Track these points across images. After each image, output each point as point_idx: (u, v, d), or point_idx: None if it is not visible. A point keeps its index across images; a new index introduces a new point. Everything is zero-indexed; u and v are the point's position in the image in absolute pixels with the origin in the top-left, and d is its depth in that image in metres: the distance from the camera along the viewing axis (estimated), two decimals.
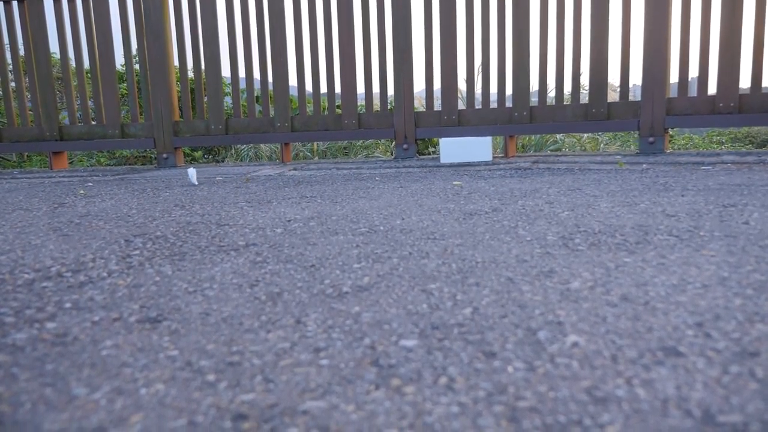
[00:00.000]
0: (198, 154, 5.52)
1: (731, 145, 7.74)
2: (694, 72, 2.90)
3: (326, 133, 3.51)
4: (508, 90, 3.19)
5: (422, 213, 1.64)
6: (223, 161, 5.48)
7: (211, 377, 0.65)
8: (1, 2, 3.51)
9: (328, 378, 0.64)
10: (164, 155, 3.60)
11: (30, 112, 3.68)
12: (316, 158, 4.90)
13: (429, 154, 4.89)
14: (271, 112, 3.56)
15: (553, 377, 0.61)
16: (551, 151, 4.41)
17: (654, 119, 2.95)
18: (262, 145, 5.01)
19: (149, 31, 3.49)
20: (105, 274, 1.11)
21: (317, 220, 1.60)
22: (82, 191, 2.54)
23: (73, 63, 3.62)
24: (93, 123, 3.64)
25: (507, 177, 2.42)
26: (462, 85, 3.53)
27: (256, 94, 3.90)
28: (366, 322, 0.80)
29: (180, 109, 3.63)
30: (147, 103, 3.58)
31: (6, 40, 3.57)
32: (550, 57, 3.10)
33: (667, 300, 0.84)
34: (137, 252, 1.29)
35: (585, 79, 3.24)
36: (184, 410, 0.58)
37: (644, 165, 2.61)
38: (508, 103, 3.22)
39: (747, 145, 8.30)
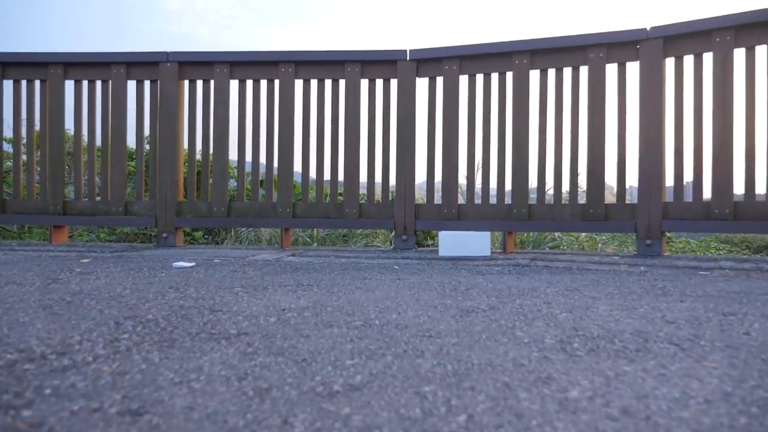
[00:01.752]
0: (198, 234, 5.54)
1: (729, 249, 7.80)
2: (689, 176, 2.98)
3: (327, 221, 3.54)
4: (507, 186, 3.26)
5: (419, 308, 1.62)
6: (222, 243, 5.50)
7: None
8: (24, 80, 3.66)
9: None
10: (164, 234, 3.62)
11: (37, 185, 3.73)
12: (315, 244, 4.92)
13: (428, 245, 4.91)
14: (274, 197, 3.61)
15: None
16: (549, 248, 4.44)
17: (651, 222, 2.99)
18: (262, 229, 5.05)
19: (163, 113, 3.62)
20: (90, 359, 1.08)
21: (312, 310, 1.58)
22: (78, 269, 2.53)
23: (85, 140, 3.73)
24: (97, 199, 3.68)
25: (505, 274, 2.42)
26: (462, 180, 3.61)
27: (260, 179, 3.97)
28: (356, 426, 0.77)
29: (185, 190, 3.69)
30: (153, 181, 3.65)
31: (24, 115, 3.69)
32: (549, 157, 3.19)
33: (669, 415, 0.81)
34: (126, 336, 1.26)
35: (583, 180, 3.32)
36: None
37: (642, 267, 2.61)
38: (507, 200, 3.28)
39: (744, 250, 8.36)
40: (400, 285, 2.07)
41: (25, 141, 3.81)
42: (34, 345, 1.17)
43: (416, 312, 1.56)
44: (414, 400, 0.87)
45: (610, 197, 3.27)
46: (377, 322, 1.43)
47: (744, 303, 1.71)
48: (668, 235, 4.36)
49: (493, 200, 3.33)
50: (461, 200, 3.53)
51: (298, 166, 3.59)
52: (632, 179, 3.14)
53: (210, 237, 5.64)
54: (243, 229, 5.22)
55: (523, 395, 0.89)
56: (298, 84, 3.58)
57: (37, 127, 3.73)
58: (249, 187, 4.36)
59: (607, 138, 3.11)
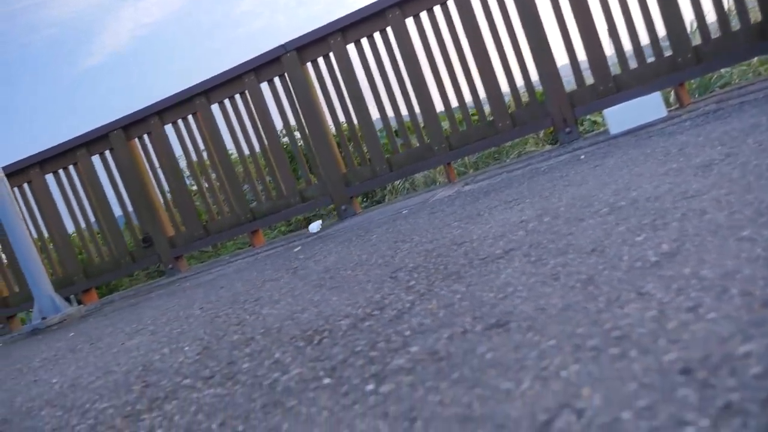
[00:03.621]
0: (357, 200, 5.85)
1: None
2: None
3: (484, 142, 3.57)
4: (661, 31, 3.03)
5: (650, 178, 1.62)
6: (380, 202, 5.77)
7: None
8: (180, 119, 4.06)
9: None
10: (343, 207, 3.89)
11: (224, 204, 4.18)
12: (471, 171, 4.98)
13: (587, 132, 4.74)
14: (426, 139, 3.70)
15: None
16: (719, 87, 4.06)
17: None
18: (416, 176, 5.21)
19: (300, 100, 3.84)
20: (407, 305, 1.25)
21: (548, 215, 1.65)
22: (301, 255, 2.83)
23: (246, 150, 4.08)
24: (275, 196, 4.04)
25: (702, 125, 2.29)
26: (608, 50, 3.41)
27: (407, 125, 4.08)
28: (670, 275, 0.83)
29: (344, 161, 3.91)
30: (314, 164, 3.92)
31: (190, 146, 4.12)
32: None
33: None
34: (412, 282, 1.43)
35: None
36: None
37: None
38: (667, 52, 3.05)
39: None
40: (604, 169, 2.06)
41: (200, 168, 4.26)
42: (351, 310, 1.38)
43: (654, 182, 1.56)
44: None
45: None
46: (622, 203, 1.46)
47: None
48: None
49: (650, 58, 3.12)
50: (615, 71, 3.34)
51: (438, 102, 3.63)
52: None
53: (367, 200, 5.94)
54: (398, 182, 5.42)
55: None
56: (410, 22, 3.58)
57: (204, 155, 4.15)
58: (399, 137, 4.48)
59: None
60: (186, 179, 4.47)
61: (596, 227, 1.32)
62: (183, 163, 4.31)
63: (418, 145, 3.73)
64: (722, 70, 4.19)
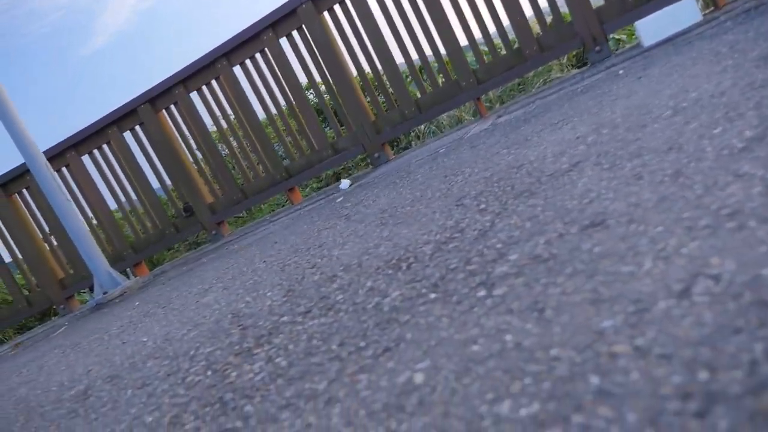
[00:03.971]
0: (388, 146, 5.84)
1: None
2: None
3: (513, 71, 3.53)
4: None
5: (717, 76, 1.61)
6: (406, 148, 5.76)
7: None
8: (204, 84, 4.07)
9: None
10: (376, 155, 3.91)
11: (258, 165, 4.23)
12: (497, 105, 4.93)
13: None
14: (453, 76, 3.67)
15: None
16: None
17: None
18: (443, 116, 5.18)
19: (321, 51, 3.81)
20: (485, 225, 1.29)
21: (595, 132, 1.65)
22: (348, 203, 2.88)
23: (273, 110, 4.09)
24: (308, 152, 4.07)
25: (754, 19, 2.23)
26: None
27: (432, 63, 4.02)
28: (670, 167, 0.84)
29: (372, 109, 3.90)
30: (343, 115, 3.92)
31: (216, 111, 4.13)
32: None
33: None
34: (482, 205, 1.46)
35: None
36: None
37: None
38: None
39: None
40: (650, 79, 2.04)
41: (231, 133, 4.29)
42: (429, 237, 1.42)
43: (713, 80, 1.55)
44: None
45: None
46: (684, 104, 1.46)
47: None
48: None
49: None
50: None
51: (461, 37, 3.57)
52: None
53: (395, 148, 5.93)
54: (423, 127, 5.39)
55: None
56: None
57: (232, 118, 4.18)
58: (425, 78, 4.42)
59: None
60: (218, 145, 4.51)
61: (664, 129, 1.33)
62: (213, 130, 4.35)
63: (444, 82, 3.70)
64: None
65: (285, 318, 1.34)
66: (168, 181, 4.35)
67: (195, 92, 4.11)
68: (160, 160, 4.25)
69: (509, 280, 0.93)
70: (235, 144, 4.28)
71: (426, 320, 0.94)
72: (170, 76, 4.07)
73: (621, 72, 2.58)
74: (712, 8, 2.99)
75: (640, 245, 0.82)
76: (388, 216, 1.96)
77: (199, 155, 4.28)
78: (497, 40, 3.68)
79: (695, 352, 0.55)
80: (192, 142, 4.25)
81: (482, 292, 0.93)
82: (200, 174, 4.30)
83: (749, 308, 0.57)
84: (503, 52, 3.57)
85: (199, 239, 6.16)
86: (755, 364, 0.50)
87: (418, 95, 3.89)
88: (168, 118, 4.19)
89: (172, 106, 4.15)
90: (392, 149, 5.72)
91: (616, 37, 4.73)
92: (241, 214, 5.99)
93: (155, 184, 4.37)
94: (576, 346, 0.65)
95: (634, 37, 3.94)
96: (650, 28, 2.94)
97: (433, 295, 1.03)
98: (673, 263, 0.73)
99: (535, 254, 0.98)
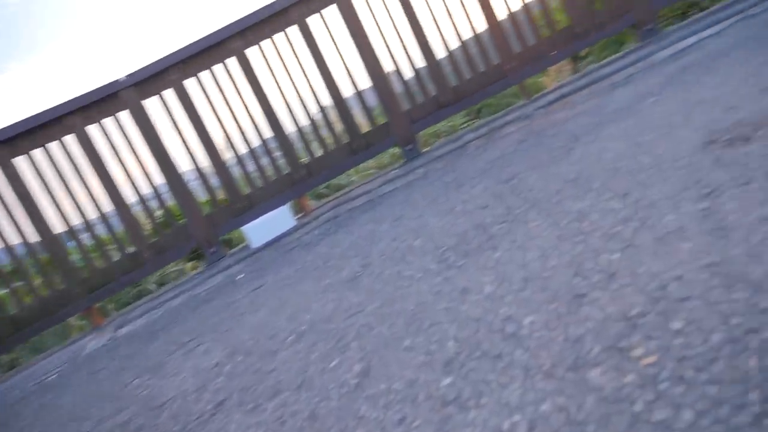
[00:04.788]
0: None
1: None
2: None
3: (129, 276, 3.43)
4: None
5: (321, 296, 1.91)
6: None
7: None
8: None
9: None
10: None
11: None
12: (114, 312, 4.59)
13: None
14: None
15: None
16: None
17: None
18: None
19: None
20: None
21: (235, 357, 1.75)
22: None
23: None
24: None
25: (336, 232, 2.77)
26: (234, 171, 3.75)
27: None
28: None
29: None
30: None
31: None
32: None
33: None
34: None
35: None
36: None
37: None
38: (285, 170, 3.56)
39: None
40: (267, 290, 2.29)
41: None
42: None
43: (319, 301, 1.85)
44: None
45: None
46: (303, 327, 1.70)
47: None
48: None
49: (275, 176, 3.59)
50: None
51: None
52: None
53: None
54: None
55: None
56: None
57: None
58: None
59: None
60: None
61: (293, 359, 1.51)
62: None
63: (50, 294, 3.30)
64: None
65: None
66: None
67: None
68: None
69: None
70: None
71: None
72: None
73: (240, 277, 2.81)
74: (302, 213, 3.61)
75: None
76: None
77: None
78: (113, 247, 3.56)
79: None
80: None
81: None
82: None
83: None
84: (116, 258, 3.46)
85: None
86: None
87: None
88: None
89: None
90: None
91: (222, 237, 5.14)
92: None
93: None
94: None
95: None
96: (256, 232, 3.34)
97: None
98: None
99: None
